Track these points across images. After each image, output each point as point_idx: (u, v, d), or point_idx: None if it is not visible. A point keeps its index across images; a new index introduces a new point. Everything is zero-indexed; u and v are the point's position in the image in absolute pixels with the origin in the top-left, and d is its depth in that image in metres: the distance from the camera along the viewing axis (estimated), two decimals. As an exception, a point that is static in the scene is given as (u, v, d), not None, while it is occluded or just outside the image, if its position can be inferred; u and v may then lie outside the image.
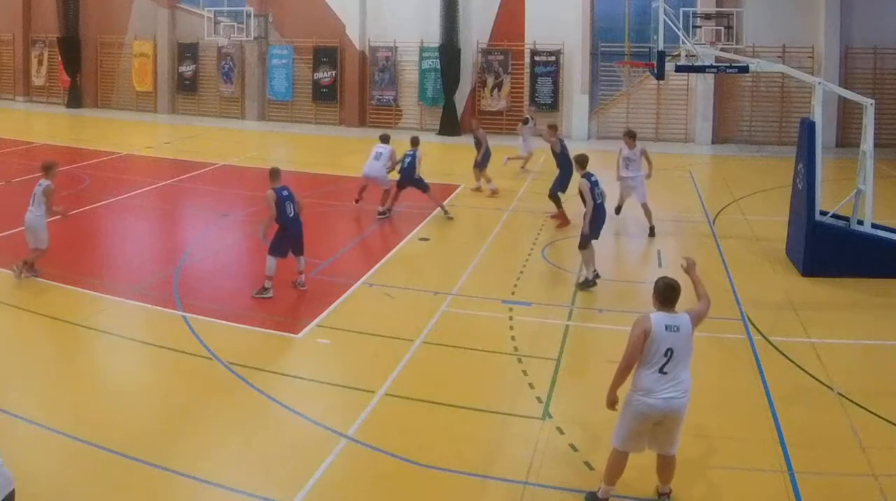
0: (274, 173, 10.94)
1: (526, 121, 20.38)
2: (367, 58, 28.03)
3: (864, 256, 11.48)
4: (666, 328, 5.84)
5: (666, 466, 6.09)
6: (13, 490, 5.04)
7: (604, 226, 11.45)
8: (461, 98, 26.81)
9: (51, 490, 6.26)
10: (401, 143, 15.65)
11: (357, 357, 9.02)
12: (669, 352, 5.82)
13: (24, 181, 17.50)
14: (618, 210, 14.61)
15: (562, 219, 14.41)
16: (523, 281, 11.41)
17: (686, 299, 6.12)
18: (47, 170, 11.23)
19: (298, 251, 10.83)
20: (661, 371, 5.81)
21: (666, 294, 5.96)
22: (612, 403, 6.02)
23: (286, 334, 9.46)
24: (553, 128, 15.91)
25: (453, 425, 7.41)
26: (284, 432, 7.32)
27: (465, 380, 8.35)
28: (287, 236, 10.66)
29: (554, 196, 14.59)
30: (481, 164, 17.09)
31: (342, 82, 28.24)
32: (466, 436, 7.19)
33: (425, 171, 14.95)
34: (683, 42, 13.70)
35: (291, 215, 10.65)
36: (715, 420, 7.44)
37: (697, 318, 6.07)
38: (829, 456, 6.81)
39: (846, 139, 22.89)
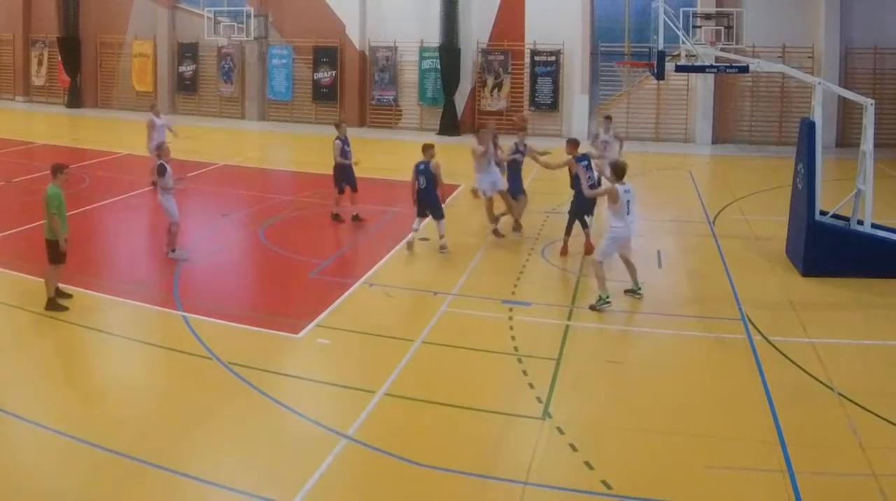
0: None
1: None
2: (367, 58, 28.04)
3: (864, 256, 11.47)
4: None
5: None
6: None
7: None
8: (461, 98, 26.81)
9: (51, 490, 6.26)
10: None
11: (357, 357, 9.02)
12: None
13: (24, 181, 17.55)
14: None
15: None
16: (523, 281, 11.41)
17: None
18: (153, 107, 17.50)
19: None
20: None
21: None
22: None
23: (286, 334, 9.45)
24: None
25: (453, 425, 7.40)
26: (284, 432, 7.33)
27: (466, 380, 8.35)
28: None
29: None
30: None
31: (342, 82, 28.24)
32: (466, 436, 7.19)
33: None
34: (683, 42, 13.70)
35: None
36: (715, 420, 7.45)
37: None
38: (829, 456, 6.81)
39: (846, 139, 22.89)
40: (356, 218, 14.52)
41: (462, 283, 11.25)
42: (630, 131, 25.30)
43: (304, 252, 12.87)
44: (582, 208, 12.53)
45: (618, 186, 10.26)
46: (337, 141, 14.47)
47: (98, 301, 10.38)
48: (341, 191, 14.45)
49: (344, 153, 14.38)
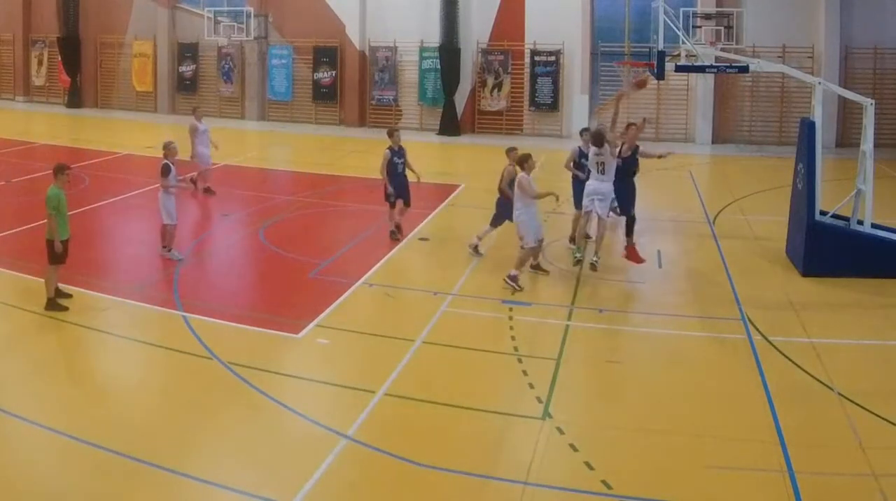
0: None
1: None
2: (367, 58, 28.04)
3: (864, 256, 11.47)
4: None
5: None
6: None
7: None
8: (461, 98, 26.80)
9: (51, 490, 6.26)
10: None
11: (357, 357, 9.02)
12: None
13: (24, 181, 17.55)
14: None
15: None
16: (523, 282, 11.39)
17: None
18: (195, 110, 16.90)
19: None
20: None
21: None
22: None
23: (286, 334, 9.45)
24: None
25: (453, 425, 7.41)
26: (284, 432, 7.33)
27: (466, 380, 8.35)
28: None
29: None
30: None
31: (342, 82, 28.24)
32: (466, 436, 7.19)
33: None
34: (683, 42, 13.67)
35: None
36: (715, 420, 7.45)
37: None
38: (829, 456, 6.81)
39: (846, 139, 22.87)
40: (395, 231, 13.34)
41: (462, 283, 11.25)
42: (630, 131, 25.32)
43: (304, 252, 12.86)
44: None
45: (592, 149, 11.81)
46: (387, 151, 13.17)
47: (98, 301, 10.38)
48: (392, 205, 13.28)
49: (393, 166, 13.09)
